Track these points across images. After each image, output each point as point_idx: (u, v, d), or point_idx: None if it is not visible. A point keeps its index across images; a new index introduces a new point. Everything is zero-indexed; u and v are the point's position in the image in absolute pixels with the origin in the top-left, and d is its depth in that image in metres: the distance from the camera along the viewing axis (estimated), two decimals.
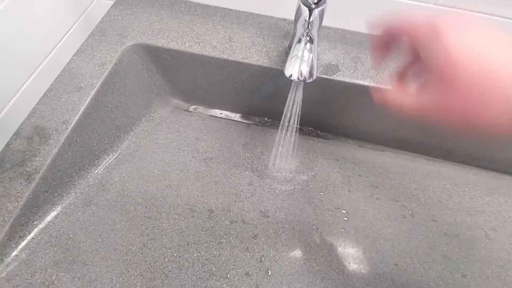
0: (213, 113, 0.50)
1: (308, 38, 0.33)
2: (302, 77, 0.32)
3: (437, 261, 0.36)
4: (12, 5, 0.38)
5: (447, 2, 0.39)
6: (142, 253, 0.33)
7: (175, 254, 0.34)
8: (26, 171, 0.33)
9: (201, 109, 0.50)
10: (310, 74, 0.33)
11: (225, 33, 0.44)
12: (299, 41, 0.34)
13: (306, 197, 0.40)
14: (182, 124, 0.48)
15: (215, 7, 0.47)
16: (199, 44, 0.43)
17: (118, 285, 0.31)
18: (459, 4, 0.39)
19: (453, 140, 0.45)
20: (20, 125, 0.36)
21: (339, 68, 0.42)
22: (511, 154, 0.44)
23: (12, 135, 0.36)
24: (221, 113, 0.50)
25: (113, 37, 0.43)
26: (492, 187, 0.44)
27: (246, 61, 0.42)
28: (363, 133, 0.47)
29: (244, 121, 0.50)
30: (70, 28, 0.49)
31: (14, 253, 0.32)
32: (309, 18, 0.33)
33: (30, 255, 0.32)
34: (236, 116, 0.50)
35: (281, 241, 0.36)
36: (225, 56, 0.42)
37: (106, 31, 0.44)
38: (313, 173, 0.43)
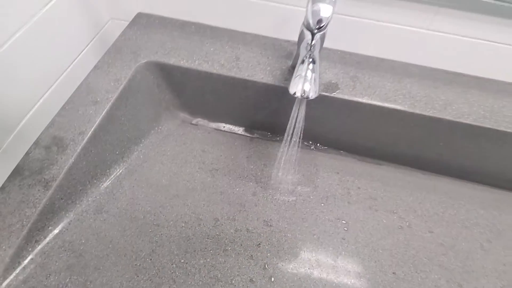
0: (218, 127, 0.53)
1: (310, 60, 0.37)
2: (305, 95, 0.35)
3: (434, 270, 0.38)
4: (35, 25, 0.42)
5: (440, 28, 0.44)
6: (151, 259, 0.35)
7: (182, 261, 0.36)
8: (44, 178, 0.36)
9: (207, 123, 0.53)
10: (313, 92, 0.36)
11: (232, 53, 0.48)
12: (302, 62, 0.37)
13: (307, 208, 0.43)
14: (189, 137, 0.51)
15: (223, 28, 0.52)
16: (207, 63, 0.47)
17: None
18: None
19: (449, 155, 0.48)
20: (39, 135, 0.39)
21: (339, 86, 0.45)
22: (505, 169, 0.47)
23: (32, 145, 0.39)
24: (225, 127, 0.53)
25: (127, 55, 0.47)
26: (486, 201, 0.46)
27: (251, 78, 0.46)
28: (362, 147, 0.50)
29: (248, 134, 0.53)
30: (86, 46, 0.53)
31: (30, 256, 0.34)
32: (311, 42, 0.37)
33: (45, 259, 0.34)
34: (240, 130, 0.53)
35: (284, 249, 0.38)
36: (232, 74, 0.46)
37: (121, 49, 0.48)
38: (314, 185, 0.46)
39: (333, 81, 0.46)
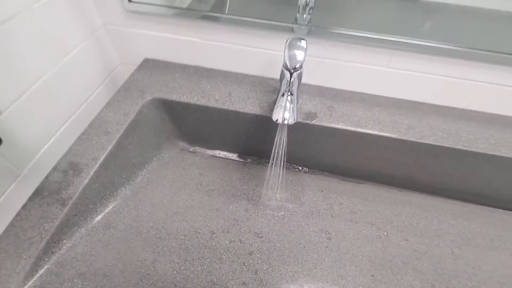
0: (214, 154, 0.61)
1: (289, 93, 0.46)
2: (286, 121, 0.44)
3: (409, 273, 0.43)
4: (59, 69, 0.51)
5: (396, 66, 0.54)
6: (154, 267, 0.40)
7: (182, 268, 0.41)
8: (61, 197, 0.42)
9: (204, 150, 0.61)
10: (292, 119, 0.44)
11: (225, 89, 0.58)
12: (283, 95, 0.46)
13: (294, 221, 0.49)
14: (187, 162, 0.58)
15: (217, 70, 0.62)
16: (204, 98, 0.56)
17: None
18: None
19: (419, 173, 0.55)
20: (58, 161, 0.46)
21: (318, 115, 0.54)
22: (469, 185, 0.54)
23: (51, 170, 0.45)
24: (220, 154, 0.61)
25: (135, 93, 0.56)
26: (456, 213, 0.53)
27: (242, 110, 0.54)
28: (343, 168, 0.58)
29: (240, 160, 0.60)
30: (99, 86, 0.62)
31: (47, 266, 0.39)
32: (290, 79, 0.46)
33: (59, 268, 0.39)
34: (234, 156, 0.61)
35: (273, 257, 0.43)
36: (225, 107, 0.55)
37: (130, 88, 0.57)
38: (300, 202, 0.52)
39: (312, 111, 0.54)
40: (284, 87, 0.47)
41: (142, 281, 0.39)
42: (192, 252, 0.43)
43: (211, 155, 0.60)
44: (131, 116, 0.53)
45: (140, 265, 0.41)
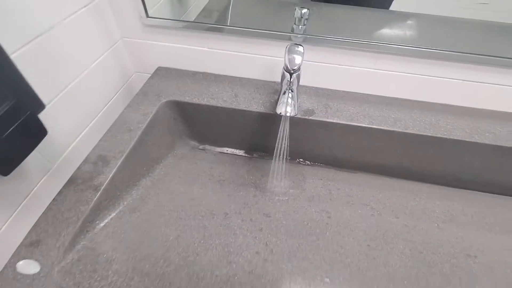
0: (222, 151, 0.68)
1: (290, 91, 0.54)
2: (288, 113, 0.52)
3: (400, 243, 0.50)
4: (86, 75, 0.59)
5: (383, 67, 0.63)
6: (178, 241, 0.47)
7: (202, 241, 0.47)
8: (94, 184, 0.49)
9: (213, 148, 0.68)
10: (293, 112, 0.52)
11: (232, 92, 0.66)
12: (284, 93, 0.54)
13: (298, 204, 0.56)
14: (198, 158, 0.65)
15: (224, 75, 0.70)
16: (213, 99, 0.64)
17: (162, 260, 0.44)
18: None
19: (406, 161, 0.63)
20: (88, 154, 0.53)
21: (315, 112, 0.62)
22: (452, 171, 0.62)
23: (82, 162, 0.52)
24: (228, 150, 0.68)
25: (152, 97, 0.64)
26: (441, 195, 0.60)
27: (247, 109, 0.62)
28: (339, 160, 0.65)
29: (247, 155, 0.67)
30: (117, 92, 0.70)
31: (83, 242, 0.45)
32: (290, 79, 0.55)
33: (94, 244, 0.45)
34: (241, 152, 0.68)
35: (281, 232, 0.50)
36: (232, 107, 0.62)
37: (147, 93, 0.65)
38: (302, 188, 0.59)
39: (310, 108, 0.62)
40: (285, 87, 0.55)
41: (168, 252, 0.45)
42: (210, 229, 0.49)
43: (220, 152, 0.68)
44: (150, 116, 0.60)
45: (165, 239, 0.47)
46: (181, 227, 0.49)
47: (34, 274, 0.40)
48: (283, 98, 0.54)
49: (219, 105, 0.63)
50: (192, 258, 0.45)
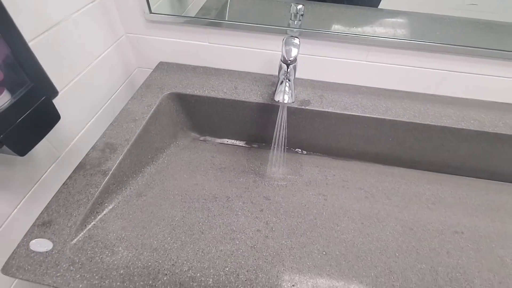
0: (222, 142, 0.72)
1: (287, 81, 0.58)
2: (285, 101, 0.55)
3: (392, 221, 0.54)
4: (90, 69, 0.62)
5: (373, 60, 0.67)
6: (183, 221, 0.50)
7: (206, 221, 0.50)
8: (102, 169, 0.52)
9: (213, 139, 0.72)
10: (290, 100, 0.56)
11: (231, 84, 0.69)
12: (281, 82, 0.58)
13: (296, 188, 0.59)
14: (200, 149, 0.69)
15: (223, 69, 0.74)
16: (214, 91, 0.67)
17: (169, 237, 0.47)
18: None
19: (398, 149, 0.67)
20: (96, 142, 0.56)
21: (311, 102, 0.66)
22: (440, 158, 0.66)
23: (90, 149, 0.55)
24: (228, 141, 0.72)
25: (155, 89, 0.67)
26: (431, 180, 0.64)
27: (247, 100, 0.66)
28: (335, 149, 0.69)
29: (246, 145, 0.71)
30: (120, 86, 0.73)
31: (93, 222, 0.48)
32: (287, 69, 0.59)
33: (104, 224, 0.48)
34: (241, 143, 0.72)
35: (280, 212, 0.53)
36: (232, 98, 0.66)
37: (150, 86, 0.68)
38: (299, 175, 0.63)
39: (306, 99, 0.66)
40: (282, 77, 0.59)
41: (175, 230, 0.48)
42: (213, 211, 0.53)
43: (220, 143, 0.71)
44: (153, 107, 0.63)
45: (171, 219, 0.50)
46: (186, 209, 0.53)
47: (47, 251, 0.43)
48: (280, 87, 0.57)
49: (219, 96, 0.66)
50: (197, 236, 0.48)
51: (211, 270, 0.43)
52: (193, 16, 0.67)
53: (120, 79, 0.73)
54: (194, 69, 0.74)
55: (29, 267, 0.41)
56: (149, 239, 0.47)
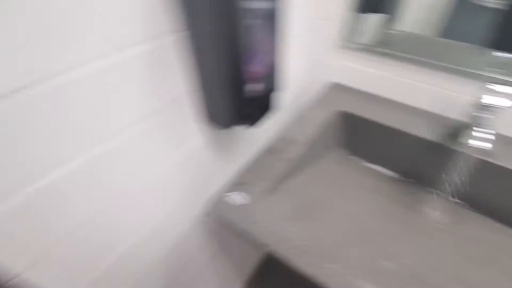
0: (370, 166, 0.76)
1: (485, 127, 0.56)
2: (480, 144, 0.54)
3: None
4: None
5: None
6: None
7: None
8: (283, 157, 0.63)
9: (364, 162, 0.76)
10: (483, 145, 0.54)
11: (404, 116, 0.71)
12: (477, 126, 0.57)
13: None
14: (352, 167, 0.73)
15: (399, 102, 0.77)
16: (382, 118, 0.71)
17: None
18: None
19: None
20: (277, 136, 0.68)
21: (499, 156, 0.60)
22: None
23: (275, 140, 0.67)
24: (379, 169, 0.74)
25: (328, 105, 0.76)
26: None
27: (415, 134, 0.66)
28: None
29: (399, 178, 0.72)
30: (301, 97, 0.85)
31: (279, 188, 0.61)
32: (483, 115, 0.57)
33: (287, 192, 0.61)
34: (392, 174, 0.73)
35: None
36: (400, 128, 0.68)
37: (324, 101, 0.78)
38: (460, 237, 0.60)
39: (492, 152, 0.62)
40: (478, 121, 0.58)
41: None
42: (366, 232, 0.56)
43: (369, 168, 0.75)
44: (326, 119, 0.72)
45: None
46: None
47: (242, 204, 0.56)
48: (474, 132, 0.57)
49: (386, 123, 0.69)
50: None
51: None
52: (388, 51, 0.72)
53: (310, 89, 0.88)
54: (368, 96, 0.79)
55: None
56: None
